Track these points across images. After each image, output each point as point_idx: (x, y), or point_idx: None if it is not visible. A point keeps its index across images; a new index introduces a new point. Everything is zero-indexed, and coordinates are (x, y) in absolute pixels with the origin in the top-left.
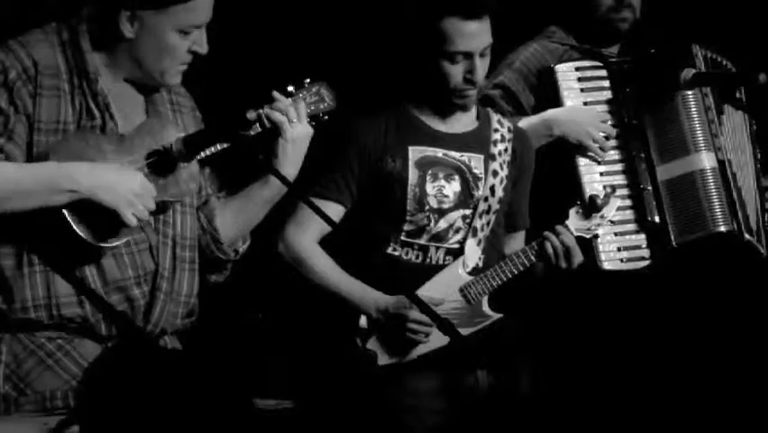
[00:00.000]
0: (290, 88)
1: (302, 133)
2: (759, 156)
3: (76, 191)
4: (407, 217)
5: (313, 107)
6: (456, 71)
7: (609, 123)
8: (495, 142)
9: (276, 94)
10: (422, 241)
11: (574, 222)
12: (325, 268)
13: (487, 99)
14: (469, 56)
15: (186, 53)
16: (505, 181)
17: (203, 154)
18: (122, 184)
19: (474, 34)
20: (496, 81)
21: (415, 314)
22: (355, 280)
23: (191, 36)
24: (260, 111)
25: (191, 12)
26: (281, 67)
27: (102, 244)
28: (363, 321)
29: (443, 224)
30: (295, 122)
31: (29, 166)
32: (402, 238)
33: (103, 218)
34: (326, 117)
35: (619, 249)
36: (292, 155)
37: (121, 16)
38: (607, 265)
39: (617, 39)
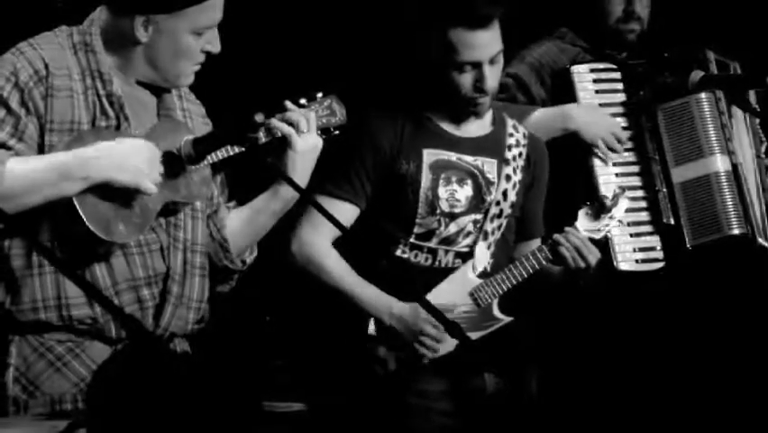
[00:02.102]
0: (302, 101)
1: (311, 145)
2: (763, 150)
3: (88, 177)
4: (418, 220)
5: (324, 120)
6: (465, 81)
7: (624, 125)
8: (509, 147)
9: (287, 104)
10: (431, 244)
11: (583, 223)
12: (339, 270)
13: (500, 87)
14: (477, 65)
15: (199, 53)
16: (518, 186)
17: (213, 158)
18: (130, 158)
19: (481, 44)
20: (509, 71)
21: (428, 328)
22: (369, 284)
23: (205, 36)
24: (271, 119)
25: (205, 12)
26: (294, 74)
27: (113, 239)
28: (372, 327)
29: (453, 228)
30: (304, 133)
31: (37, 158)
32: (411, 241)
33: (111, 201)
34: (337, 131)
35: (634, 250)
36: (300, 166)
37: (135, 21)
38: (623, 266)
39: (625, 48)
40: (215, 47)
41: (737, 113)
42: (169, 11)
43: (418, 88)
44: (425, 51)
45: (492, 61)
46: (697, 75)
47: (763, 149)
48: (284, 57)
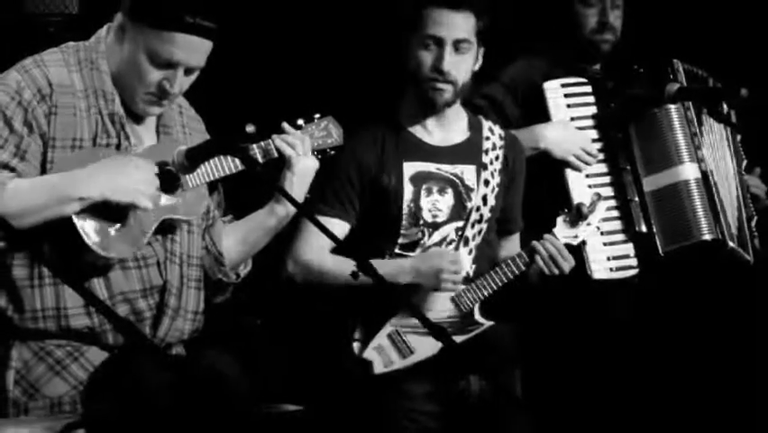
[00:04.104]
0: (300, 122)
1: (308, 166)
2: (744, 167)
3: (85, 198)
4: (402, 231)
5: (320, 141)
6: (426, 58)
7: (596, 137)
8: (486, 151)
9: (285, 126)
10: (415, 254)
11: (561, 230)
12: (340, 267)
13: (475, 109)
14: (440, 43)
15: (155, 85)
16: (496, 189)
17: (211, 177)
18: (126, 177)
19: (448, 23)
20: (482, 92)
21: (444, 263)
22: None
23: (165, 71)
24: (269, 140)
25: (160, 41)
26: (287, 91)
27: (109, 255)
28: (359, 332)
29: (436, 237)
30: (301, 154)
31: (38, 180)
32: (396, 251)
33: (109, 218)
34: (333, 152)
35: (608, 258)
36: (297, 187)
37: (116, 20)
38: (596, 274)
39: (599, 58)
40: (171, 88)
41: (713, 124)
42: (129, 17)
43: (396, 93)
44: (400, 25)
45: (457, 48)
46: (673, 87)
47: (743, 165)
48: (275, 72)
